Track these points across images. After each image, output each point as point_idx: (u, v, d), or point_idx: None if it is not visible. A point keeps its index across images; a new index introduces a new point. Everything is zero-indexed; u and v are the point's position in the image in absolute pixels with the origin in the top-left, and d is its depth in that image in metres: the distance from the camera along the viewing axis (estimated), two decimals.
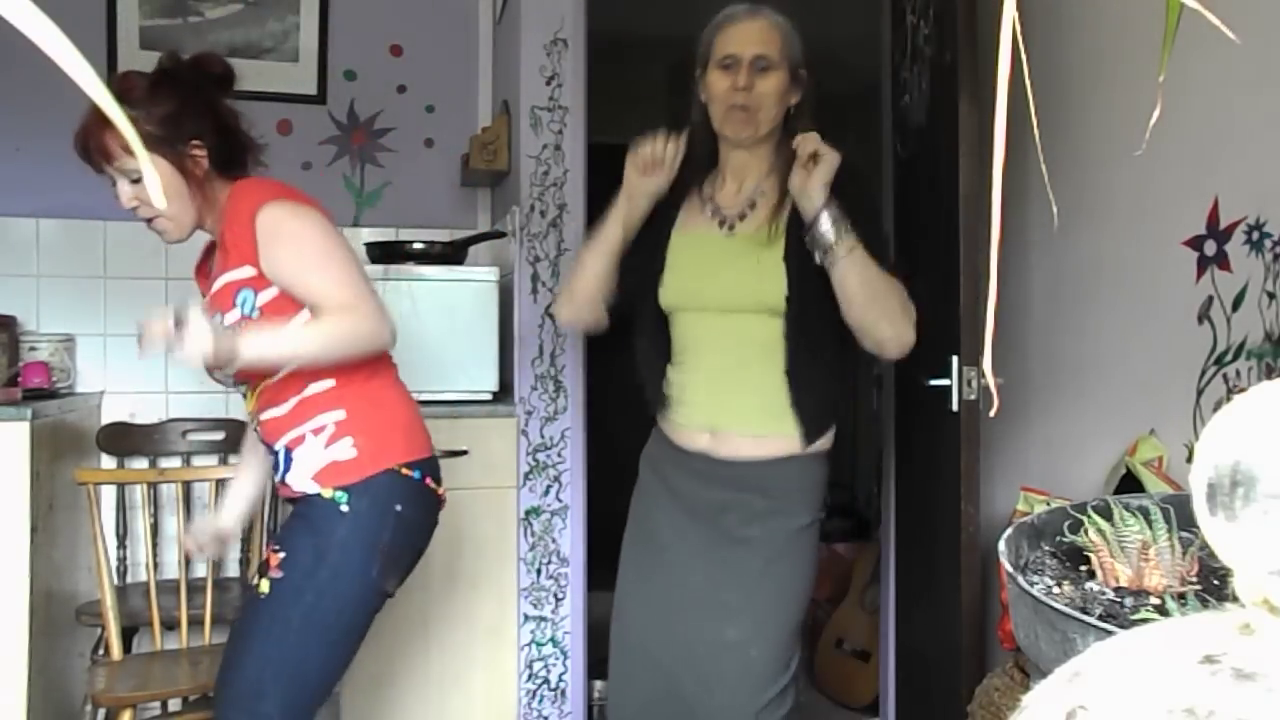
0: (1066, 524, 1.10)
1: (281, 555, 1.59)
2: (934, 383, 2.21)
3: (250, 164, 1.71)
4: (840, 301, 1.63)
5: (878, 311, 1.63)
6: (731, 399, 1.74)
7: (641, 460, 1.92)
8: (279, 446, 1.66)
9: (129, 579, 2.74)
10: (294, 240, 1.57)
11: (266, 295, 1.59)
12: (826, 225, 1.59)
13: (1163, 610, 0.91)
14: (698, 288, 1.76)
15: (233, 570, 2.75)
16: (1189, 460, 1.53)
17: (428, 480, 1.68)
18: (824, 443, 1.76)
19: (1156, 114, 1.65)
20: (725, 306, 1.74)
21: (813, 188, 1.59)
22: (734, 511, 1.72)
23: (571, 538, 2.58)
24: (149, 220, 1.63)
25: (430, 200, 3.15)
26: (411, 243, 2.67)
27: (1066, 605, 0.86)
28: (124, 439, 2.78)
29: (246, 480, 1.90)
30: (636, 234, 1.78)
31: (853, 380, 1.83)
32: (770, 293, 1.69)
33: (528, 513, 2.55)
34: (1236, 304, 1.72)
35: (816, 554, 1.79)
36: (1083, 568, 1.03)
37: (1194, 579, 1.00)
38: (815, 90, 1.77)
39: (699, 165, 1.81)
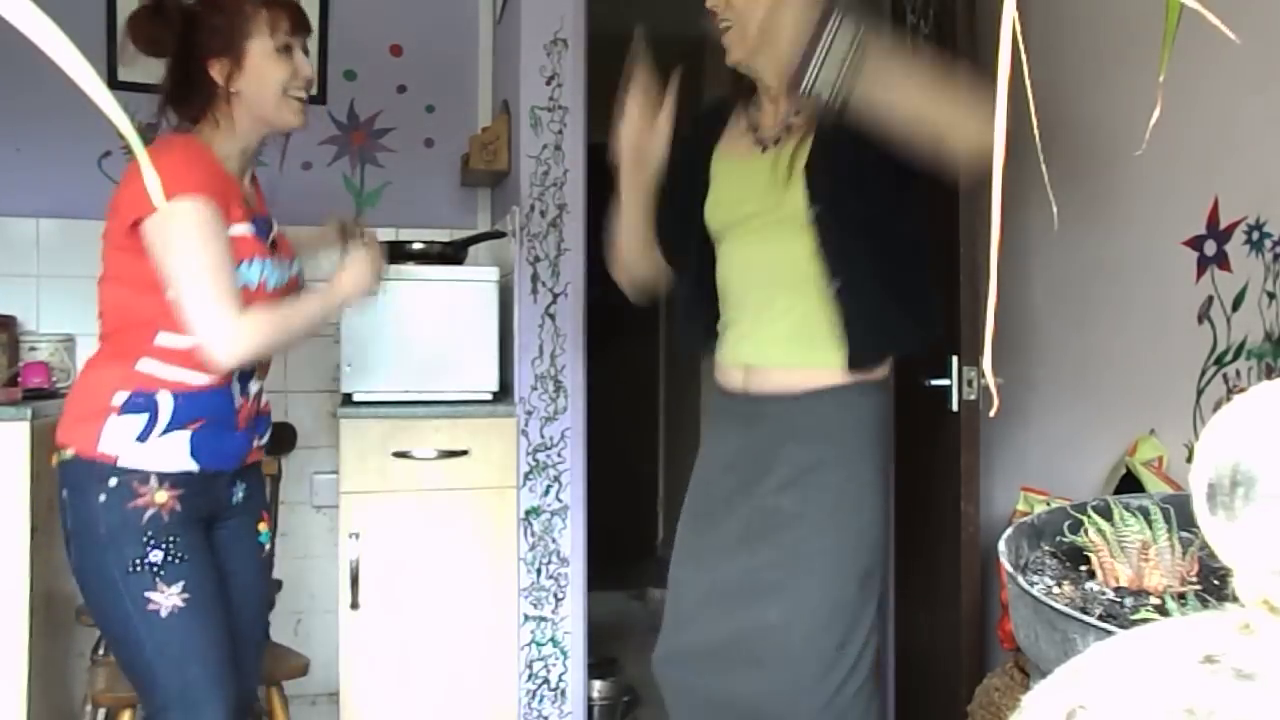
0: (1066, 524, 1.10)
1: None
2: (934, 383, 2.21)
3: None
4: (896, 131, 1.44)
5: (941, 115, 1.41)
6: (765, 328, 1.66)
7: (702, 416, 1.89)
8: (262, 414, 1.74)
9: None
10: None
11: None
12: (815, 66, 1.40)
13: (1163, 610, 0.91)
14: (737, 208, 1.69)
15: None
16: (1189, 460, 1.53)
17: None
18: (871, 373, 1.63)
19: (1156, 114, 1.64)
20: (761, 227, 1.66)
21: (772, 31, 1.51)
22: (774, 473, 1.62)
23: (571, 538, 2.58)
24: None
25: (430, 200, 3.15)
26: (411, 243, 2.67)
27: (1066, 605, 0.86)
28: None
29: None
30: (667, 178, 1.70)
31: (929, 301, 1.65)
32: (797, 205, 1.60)
33: (528, 513, 2.55)
34: (1236, 304, 1.72)
35: (874, 509, 1.61)
36: (1083, 568, 1.03)
37: (1194, 579, 1.00)
38: None
39: (742, 88, 1.76)
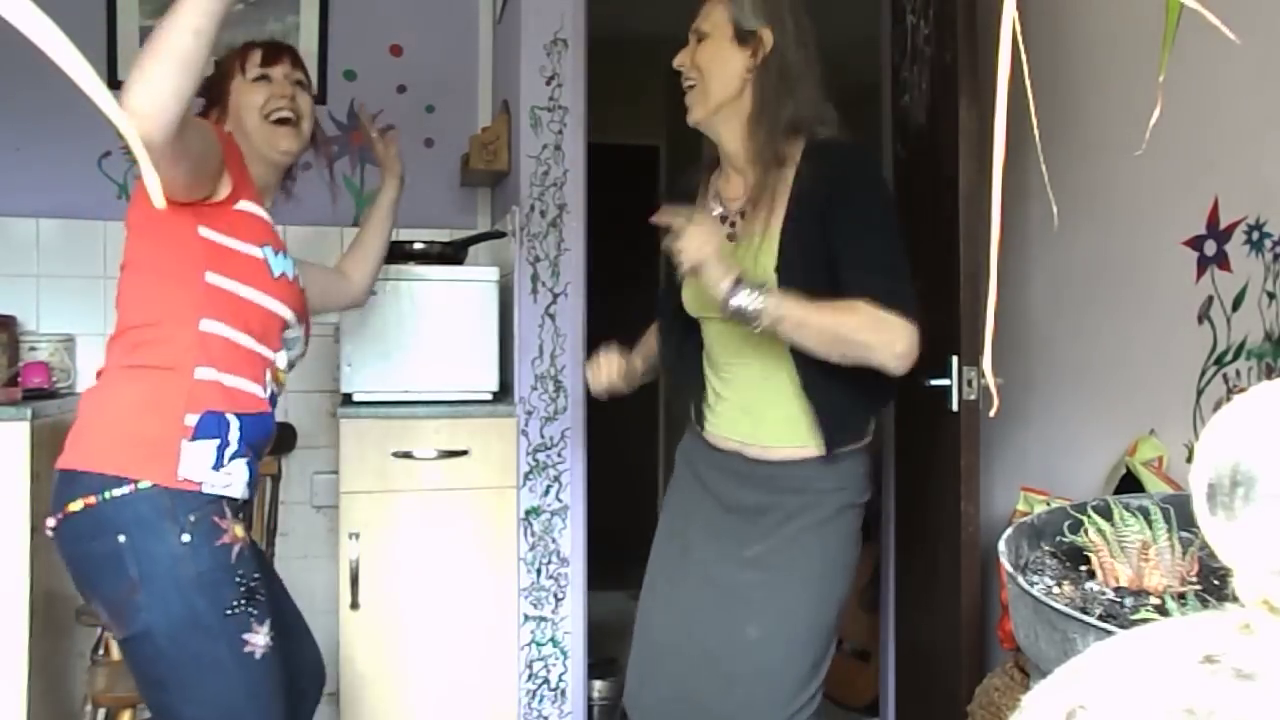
0: (1066, 524, 1.10)
1: None
2: (934, 383, 2.21)
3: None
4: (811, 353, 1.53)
5: (851, 346, 1.49)
6: (755, 412, 1.69)
7: (677, 454, 1.89)
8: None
9: (96, 608, 2.73)
10: None
11: None
12: (738, 304, 1.46)
13: (1163, 610, 0.91)
14: (705, 298, 1.69)
15: None
16: (1189, 460, 1.53)
17: None
18: (855, 444, 1.70)
19: (1156, 114, 1.65)
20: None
21: (705, 282, 1.50)
22: (770, 514, 1.66)
23: (571, 538, 2.58)
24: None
25: (430, 200, 3.15)
26: (411, 243, 2.67)
27: (1066, 605, 0.86)
28: None
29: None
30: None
31: (881, 383, 1.68)
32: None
33: (528, 513, 2.55)
34: (1236, 304, 1.72)
35: (854, 547, 1.69)
36: (1083, 568, 1.03)
37: (1194, 579, 1.00)
38: (793, 46, 1.62)
39: (707, 159, 1.78)
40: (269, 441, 1.62)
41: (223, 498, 1.47)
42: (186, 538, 1.40)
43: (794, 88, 1.61)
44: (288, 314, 1.61)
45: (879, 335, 1.48)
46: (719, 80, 1.63)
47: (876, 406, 1.77)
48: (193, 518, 1.41)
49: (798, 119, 1.62)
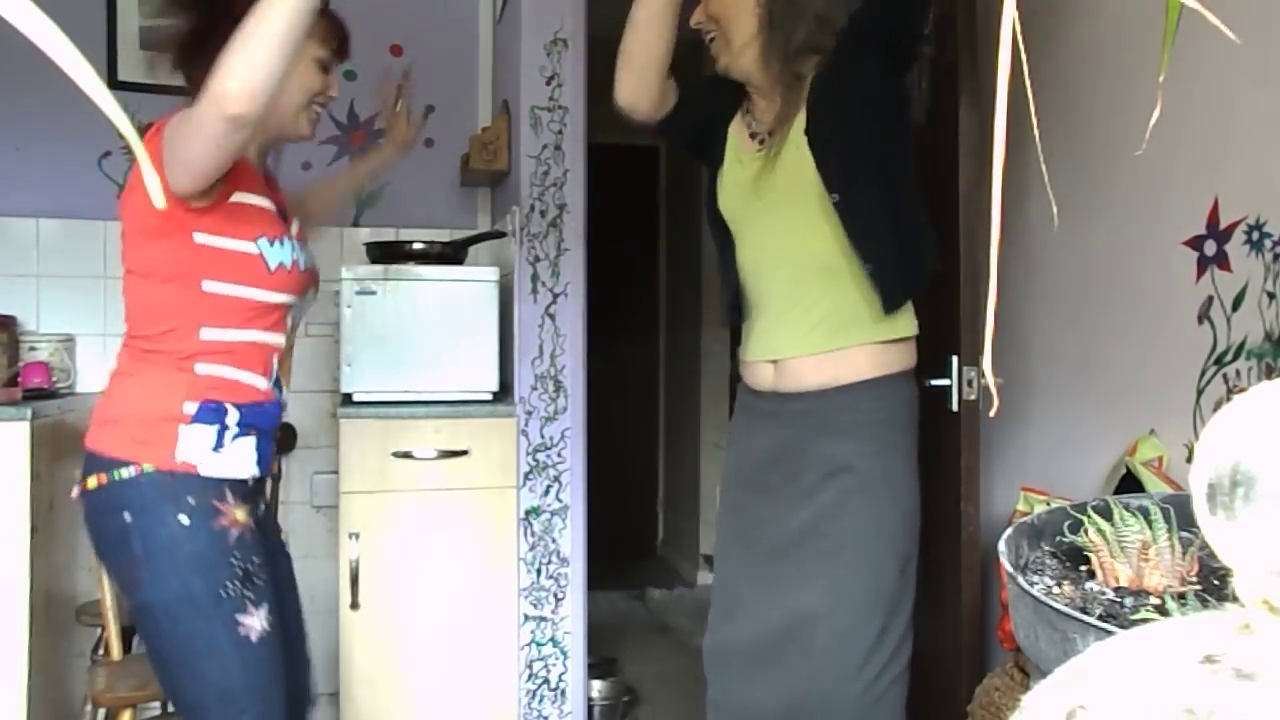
0: (1066, 524, 1.10)
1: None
2: (934, 383, 2.21)
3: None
4: None
5: None
6: (788, 318, 1.69)
7: (733, 415, 1.87)
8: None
9: (111, 580, 2.74)
10: None
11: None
12: None
13: (1163, 610, 0.91)
14: (742, 202, 1.74)
15: None
16: (1189, 460, 1.53)
17: None
18: (898, 354, 1.67)
19: (1156, 114, 1.65)
20: (771, 219, 1.69)
21: None
22: (812, 468, 1.65)
23: (571, 538, 2.58)
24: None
25: (430, 200, 3.15)
26: (411, 243, 2.67)
27: (1066, 605, 0.86)
28: None
29: None
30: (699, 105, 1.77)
31: (926, 229, 1.72)
32: (796, 180, 1.64)
33: (528, 513, 2.55)
34: (1236, 304, 1.72)
35: (908, 491, 1.68)
36: (1083, 568, 1.03)
37: (1194, 579, 1.00)
38: None
39: (734, 99, 1.80)
40: (275, 426, 1.62)
41: (225, 481, 1.49)
42: (185, 519, 1.43)
43: (804, 10, 1.64)
44: (291, 299, 1.60)
45: None
46: (736, 24, 1.67)
47: (928, 256, 1.72)
48: (192, 500, 1.45)
49: (814, 40, 1.65)
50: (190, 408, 1.47)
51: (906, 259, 1.65)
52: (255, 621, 1.46)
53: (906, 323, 1.71)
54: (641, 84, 1.70)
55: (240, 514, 1.49)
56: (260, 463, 1.57)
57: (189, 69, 1.55)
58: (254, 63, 1.25)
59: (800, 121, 1.65)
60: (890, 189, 1.64)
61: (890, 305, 1.63)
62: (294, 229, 1.66)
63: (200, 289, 1.48)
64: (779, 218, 1.69)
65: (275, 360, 1.61)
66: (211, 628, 1.43)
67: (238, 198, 1.50)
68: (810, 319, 1.66)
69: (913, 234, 1.67)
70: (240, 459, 1.52)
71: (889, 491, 1.65)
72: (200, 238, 1.47)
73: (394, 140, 2.03)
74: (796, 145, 1.65)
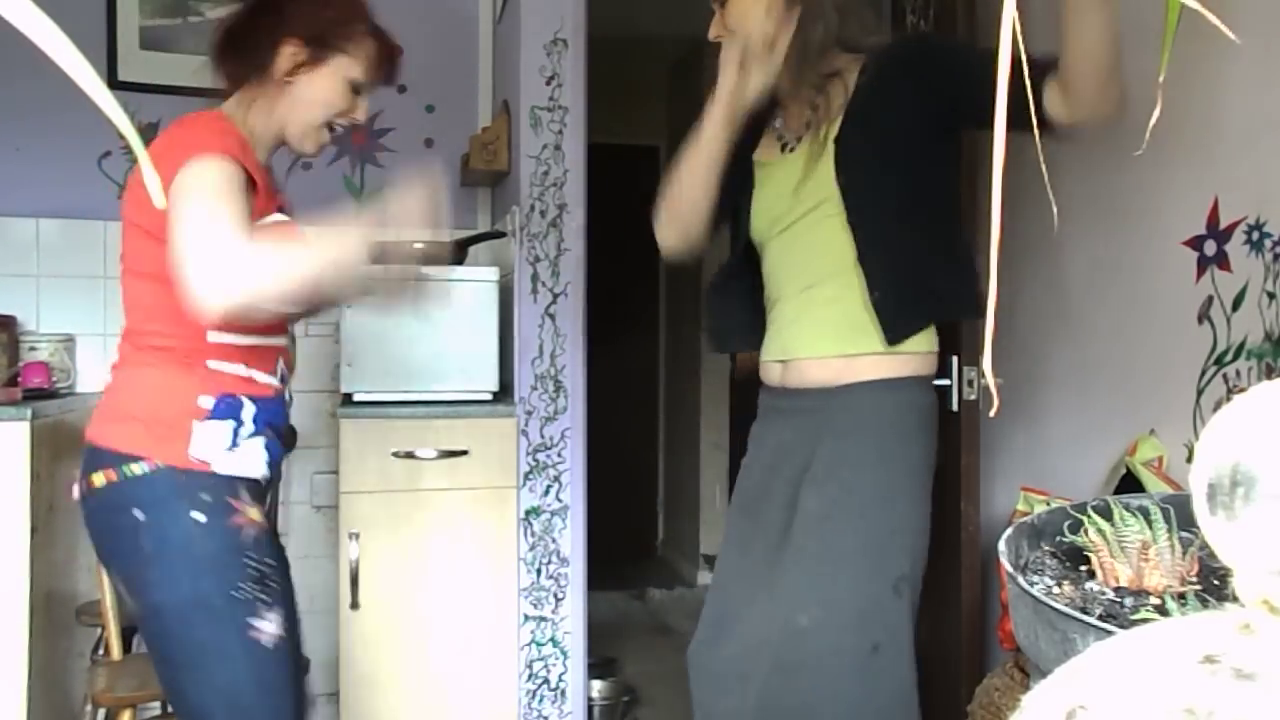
0: (1066, 524, 1.10)
1: None
2: (934, 383, 2.21)
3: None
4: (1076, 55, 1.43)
5: (1116, 57, 1.40)
6: (802, 319, 1.65)
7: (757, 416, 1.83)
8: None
9: (115, 579, 2.74)
10: None
11: None
12: None
13: (1163, 610, 0.91)
14: (772, 212, 1.69)
15: None
16: (1189, 460, 1.53)
17: None
18: (910, 362, 1.58)
19: (1156, 114, 1.64)
20: (797, 223, 1.65)
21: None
22: (809, 470, 1.59)
23: (571, 538, 2.58)
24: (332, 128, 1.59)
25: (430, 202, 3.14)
26: (411, 242, 2.67)
27: (1066, 605, 0.86)
28: None
29: None
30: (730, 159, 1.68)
31: (963, 266, 1.62)
32: (824, 185, 1.59)
33: (528, 513, 2.55)
34: (1236, 304, 1.72)
35: (908, 509, 1.56)
36: (1083, 568, 1.03)
37: (1194, 579, 1.00)
38: None
39: (767, 102, 1.75)
40: (285, 423, 1.59)
41: (238, 479, 1.46)
42: (200, 517, 1.40)
43: (823, 9, 1.59)
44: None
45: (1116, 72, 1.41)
46: (755, 33, 1.60)
47: (953, 290, 1.62)
48: (207, 497, 1.41)
49: (837, 37, 1.61)
50: (207, 402, 1.45)
51: (924, 294, 1.58)
52: (268, 626, 1.42)
53: (922, 339, 1.62)
54: (685, 233, 1.73)
55: (254, 513, 1.46)
56: (270, 464, 1.55)
57: (223, 60, 1.53)
58: (263, 294, 1.29)
59: (834, 128, 1.60)
60: (916, 217, 1.58)
61: (892, 337, 1.56)
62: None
63: None
64: (804, 223, 1.64)
65: (281, 359, 1.59)
66: (222, 631, 1.40)
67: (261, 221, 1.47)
68: (822, 323, 1.62)
69: (938, 271, 1.59)
70: (253, 458, 1.50)
71: (881, 501, 1.55)
72: None
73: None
74: (828, 152, 1.59)
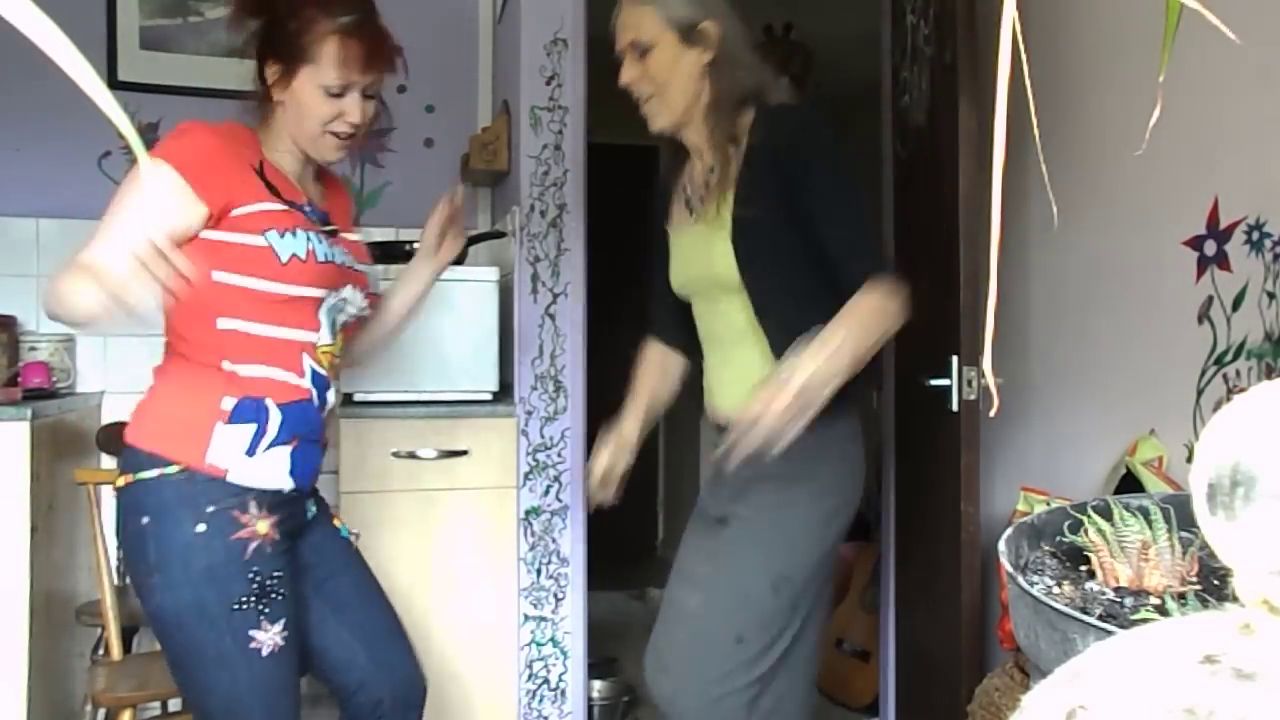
0: (1066, 524, 1.10)
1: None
2: (934, 383, 2.21)
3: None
4: None
5: (880, 340, 1.55)
6: (730, 386, 1.73)
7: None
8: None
9: (129, 579, 2.74)
10: None
11: None
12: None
13: (1163, 610, 0.91)
14: (684, 279, 1.79)
15: None
16: (1189, 460, 1.53)
17: None
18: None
19: (1156, 114, 1.65)
20: (705, 293, 1.74)
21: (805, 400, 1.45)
22: (728, 484, 1.69)
23: (571, 538, 2.58)
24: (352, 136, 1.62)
25: (430, 200, 3.13)
26: (412, 243, 2.67)
27: (1066, 605, 0.86)
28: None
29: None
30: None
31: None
32: (724, 272, 1.64)
33: (528, 513, 2.55)
34: (1236, 304, 1.72)
35: (808, 527, 1.64)
36: (1083, 568, 1.03)
37: (1194, 579, 1.00)
38: (729, 24, 1.64)
39: (675, 159, 1.80)
40: (318, 429, 1.57)
41: (250, 490, 1.46)
42: (201, 528, 1.41)
43: (739, 64, 1.64)
44: (316, 292, 1.53)
45: (889, 320, 1.54)
46: (677, 87, 1.64)
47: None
48: (211, 508, 1.42)
49: (746, 91, 1.64)
50: (229, 403, 1.45)
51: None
52: (268, 636, 1.44)
53: None
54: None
55: (263, 525, 1.46)
56: (297, 474, 1.52)
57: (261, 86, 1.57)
58: (58, 299, 1.39)
59: (728, 203, 1.64)
60: (808, 279, 1.62)
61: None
62: (334, 228, 1.65)
63: (210, 278, 1.45)
64: (713, 290, 1.72)
65: (311, 357, 1.55)
66: (220, 639, 1.42)
67: (236, 212, 1.47)
68: (735, 382, 1.70)
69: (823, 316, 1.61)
70: (273, 469, 1.49)
71: (782, 511, 1.65)
72: (204, 233, 1.46)
73: (430, 259, 1.92)
74: (724, 226, 1.63)
